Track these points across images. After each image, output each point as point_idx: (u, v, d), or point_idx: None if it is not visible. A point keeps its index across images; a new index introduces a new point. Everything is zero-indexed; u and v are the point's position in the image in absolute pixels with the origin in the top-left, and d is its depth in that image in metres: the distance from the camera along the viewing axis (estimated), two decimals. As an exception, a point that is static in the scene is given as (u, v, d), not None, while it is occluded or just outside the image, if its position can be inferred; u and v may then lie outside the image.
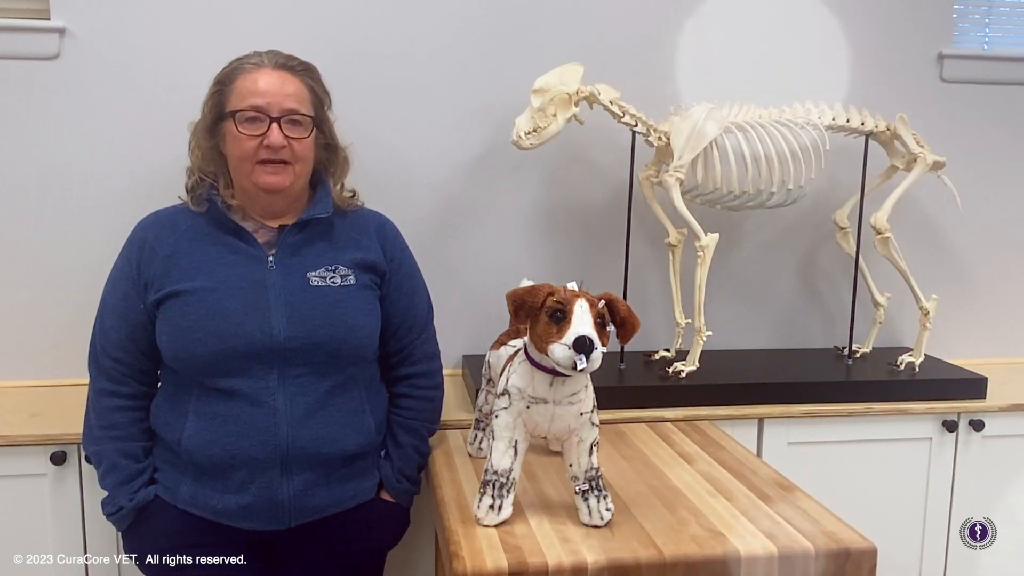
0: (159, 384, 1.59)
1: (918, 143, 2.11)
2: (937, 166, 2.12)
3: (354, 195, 1.67)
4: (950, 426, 2.00)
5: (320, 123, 1.57)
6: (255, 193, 1.53)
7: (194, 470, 1.48)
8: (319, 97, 1.57)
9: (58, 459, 1.73)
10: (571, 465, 1.37)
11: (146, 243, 1.54)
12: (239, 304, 1.47)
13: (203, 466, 1.47)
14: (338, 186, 1.63)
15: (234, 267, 1.50)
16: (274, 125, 1.48)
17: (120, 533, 1.56)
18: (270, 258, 1.52)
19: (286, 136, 1.49)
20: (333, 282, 1.53)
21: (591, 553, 1.27)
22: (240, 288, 1.48)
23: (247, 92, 1.49)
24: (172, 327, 1.48)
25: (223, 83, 1.52)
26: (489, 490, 1.35)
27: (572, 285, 1.31)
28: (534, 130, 1.90)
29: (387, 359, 1.66)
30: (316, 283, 1.52)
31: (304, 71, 1.56)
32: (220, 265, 1.50)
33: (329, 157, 1.62)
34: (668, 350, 2.19)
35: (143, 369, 1.55)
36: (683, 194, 2.00)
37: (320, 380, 1.50)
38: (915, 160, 2.10)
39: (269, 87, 1.49)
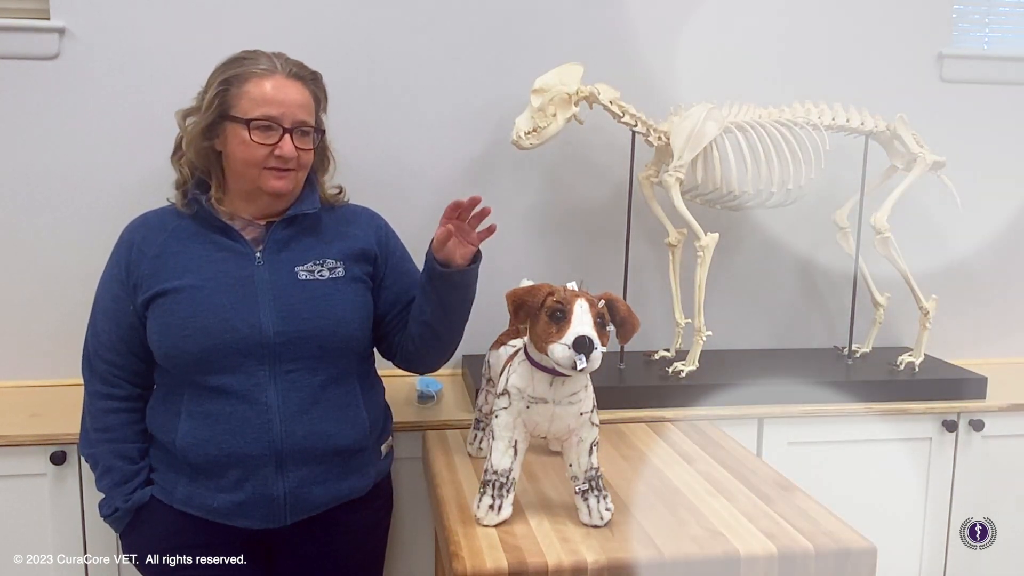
0: (153, 386, 1.59)
1: (918, 143, 2.11)
2: (937, 166, 2.12)
3: (340, 191, 1.67)
4: (950, 426, 2.00)
5: (319, 128, 1.58)
6: (256, 194, 1.53)
7: (189, 470, 1.48)
8: (320, 103, 1.57)
9: (58, 459, 1.74)
10: (571, 465, 1.37)
11: (134, 245, 1.54)
12: (227, 300, 1.47)
13: (198, 465, 1.47)
14: (323, 181, 1.63)
15: (222, 264, 1.50)
16: (287, 136, 1.49)
17: (118, 534, 1.56)
18: (257, 254, 1.52)
19: (296, 147, 1.49)
20: (321, 276, 1.53)
21: (591, 553, 1.27)
22: (228, 284, 1.49)
23: (261, 99, 1.47)
24: (162, 325, 1.48)
25: (229, 83, 1.49)
26: (489, 490, 1.35)
27: (572, 285, 1.31)
28: (534, 130, 1.90)
29: (398, 328, 1.64)
30: (304, 277, 1.52)
31: (312, 80, 1.55)
32: (208, 263, 1.50)
33: (319, 156, 1.62)
34: (668, 350, 2.19)
35: (136, 371, 1.55)
36: (683, 194, 2.00)
37: (312, 375, 1.50)
38: (915, 160, 2.10)
39: (284, 97, 1.48)
